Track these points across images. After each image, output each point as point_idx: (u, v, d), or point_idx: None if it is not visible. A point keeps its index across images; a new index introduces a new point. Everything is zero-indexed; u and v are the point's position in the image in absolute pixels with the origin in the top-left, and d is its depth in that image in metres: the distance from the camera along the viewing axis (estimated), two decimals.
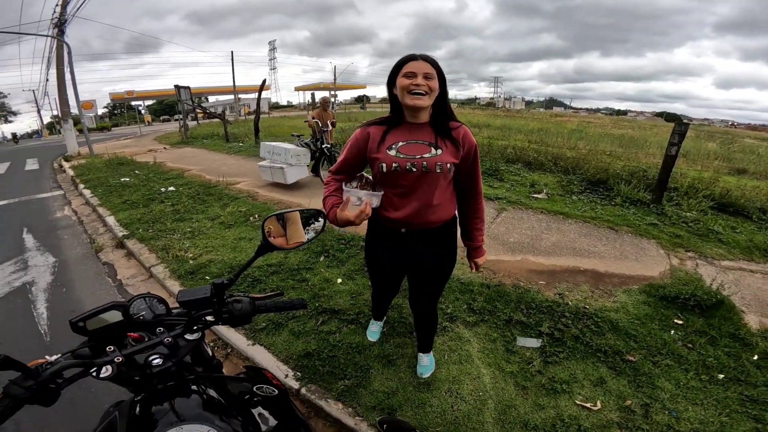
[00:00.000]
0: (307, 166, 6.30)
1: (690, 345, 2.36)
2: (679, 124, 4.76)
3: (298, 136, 7.00)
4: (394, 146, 1.47)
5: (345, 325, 2.49)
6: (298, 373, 2.12)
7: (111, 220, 4.73)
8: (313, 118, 6.58)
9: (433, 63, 1.40)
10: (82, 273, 3.53)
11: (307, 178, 6.39)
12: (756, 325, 2.59)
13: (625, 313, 2.65)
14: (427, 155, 1.44)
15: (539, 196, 5.34)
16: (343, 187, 1.54)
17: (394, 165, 1.44)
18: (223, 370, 1.04)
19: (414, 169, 1.43)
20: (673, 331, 2.48)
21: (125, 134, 24.11)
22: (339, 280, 3.03)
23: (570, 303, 2.74)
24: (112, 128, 36.50)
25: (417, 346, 2.16)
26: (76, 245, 4.22)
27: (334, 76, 50.34)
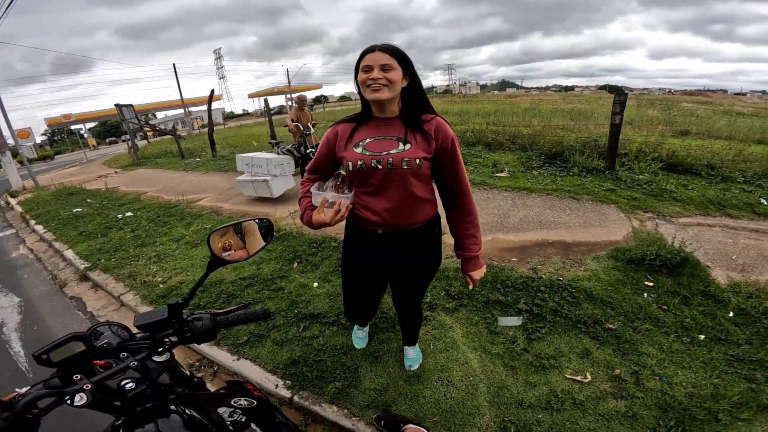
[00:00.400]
0: (293, 174, 5.78)
1: (665, 307, 2.45)
2: (618, 95, 5.05)
3: (277, 143, 6.42)
4: (361, 143, 1.40)
5: (327, 328, 2.47)
6: (288, 382, 2.09)
7: (70, 253, 4.48)
8: (293, 120, 6.10)
9: (393, 52, 1.32)
10: (50, 309, 3.38)
11: (295, 187, 5.76)
12: (724, 280, 2.71)
13: (597, 280, 2.75)
14: (393, 151, 1.35)
15: (502, 174, 5.48)
16: (312, 190, 1.48)
17: (359, 163, 1.38)
18: (210, 388, 1.05)
19: (380, 167, 1.36)
20: (646, 294, 2.58)
21: (70, 161, 22.65)
22: (315, 284, 2.98)
23: (544, 276, 2.82)
24: (55, 156, 34.07)
25: (402, 340, 2.16)
26: (38, 283, 4.01)
27: (288, 79, 49.35)
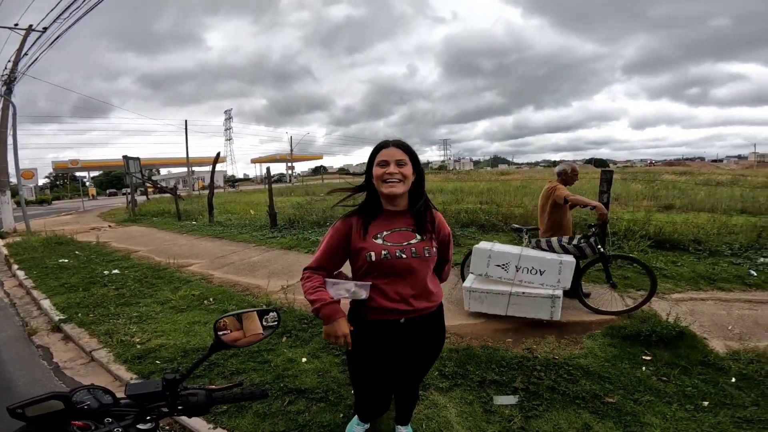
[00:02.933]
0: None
1: (665, 378, 2.42)
2: (604, 172, 5.28)
3: (528, 229, 3.97)
4: (379, 235, 1.45)
5: (314, 404, 2.34)
6: None
7: (46, 303, 4.37)
8: (563, 198, 3.60)
9: (405, 148, 1.42)
10: (14, 355, 3.27)
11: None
12: (722, 349, 2.73)
13: (593, 357, 2.70)
14: (413, 241, 1.45)
15: None
16: (328, 280, 1.48)
17: (383, 253, 1.41)
18: None
19: (404, 256, 1.42)
20: (644, 368, 2.55)
21: (66, 209, 22.71)
22: (304, 359, 2.86)
23: (539, 356, 2.76)
24: (53, 201, 34.09)
25: (395, 418, 2.04)
26: (6, 328, 3.91)
27: (291, 147, 51.75)
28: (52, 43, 11.85)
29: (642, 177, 20.95)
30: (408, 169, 1.41)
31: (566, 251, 3.49)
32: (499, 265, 3.32)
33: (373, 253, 1.42)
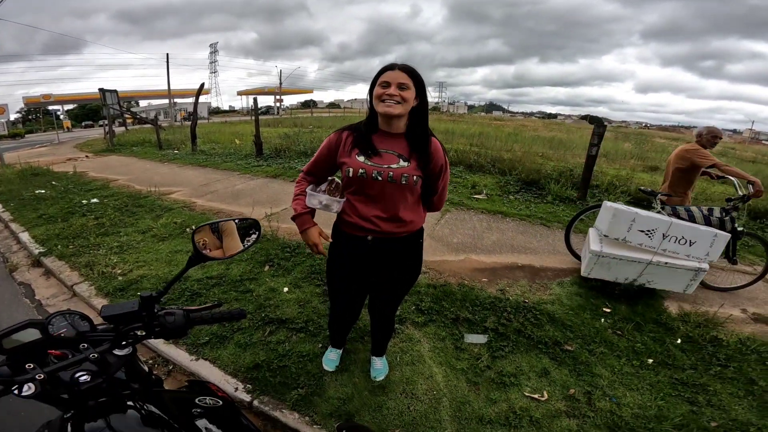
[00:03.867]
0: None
1: (619, 332, 2.58)
2: (597, 126, 5.25)
3: (658, 194, 3.58)
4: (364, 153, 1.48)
5: (294, 334, 2.43)
6: (248, 386, 2.04)
7: (25, 236, 4.25)
8: (710, 163, 3.33)
9: (411, 73, 1.41)
10: None
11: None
12: (675, 310, 2.88)
13: (560, 304, 2.85)
14: (394, 165, 1.46)
15: (480, 196, 5.60)
16: (307, 191, 1.58)
17: (360, 171, 1.46)
18: (165, 386, 1.00)
19: (380, 178, 1.45)
20: (603, 319, 2.70)
21: (41, 141, 21.60)
22: (285, 289, 2.94)
23: (511, 298, 2.89)
24: (26, 135, 32.42)
25: (371, 350, 2.16)
26: None
27: (280, 80, 49.15)
28: None
29: (634, 138, 20.90)
30: (409, 93, 1.40)
31: (708, 222, 3.25)
32: (643, 231, 3.01)
33: (351, 169, 1.47)
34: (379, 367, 2.11)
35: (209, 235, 1.03)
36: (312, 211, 1.62)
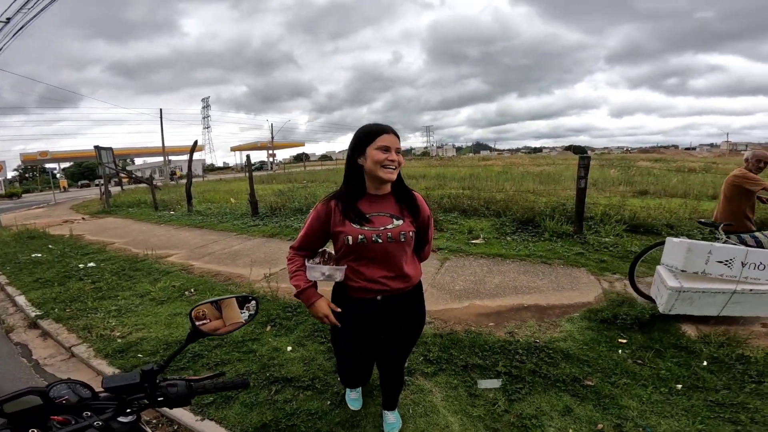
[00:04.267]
0: None
1: (640, 361, 2.51)
2: (582, 158, 5.40)
3: (720, 225, 3.56)
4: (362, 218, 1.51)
5: (300, 392, 2.35)
6: None
7: (21, 299, 4.24)
8: (757, 185, 3.50)
9: (399, 137, 1.48)
10: None
11: None
12: (694, 332, 2.83)
13: (572, 341, 2.79)
14: (390, 226, 1.50)
15: (477, 241, 5.60)
16: (306, 263, 1.59)
17: (360, 237, 1.48)
18: None
19: (380, 240, 1.49)
20: (620, 351, 2.64)
21: (37, 202, 21.76)
22: (289, 348, 2.86)
23: (521, 340, 2.83)
24: (23, 195, 32.60)
25: (382, 404, 2.08)
26: None
27: (272, 134, 50.66)
28: (16, 33, 11.19)
29: (618, 163, 21.52)
30: (401, 158, 1.48)
31: None
32: (721, 262, 2.99)
33: (350, 237, 1.48)
34: (392, 421, 2.02)
35: (209, 308, 1.05)
36: (315, 284, 1.61)
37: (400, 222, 1.52)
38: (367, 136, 1.45)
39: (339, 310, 1.60)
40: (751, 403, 2.07)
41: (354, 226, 1.48)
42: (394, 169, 1.44)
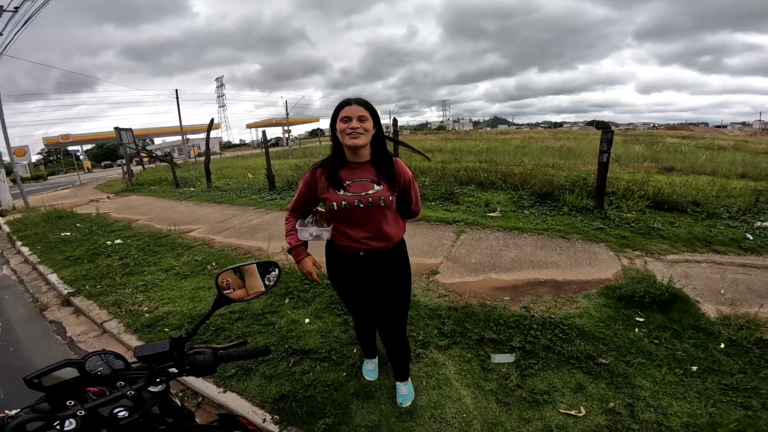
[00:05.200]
0: None
1: (656, 341, 2.48)
2: (605, 132, 5.19)
3: None
4: (341, 186, 1.65)
5: (318, 364, 2.43)
6: (276, 417, 2.06)
7: (54, 277, 4.43)
8: None
9: (366, 105, 1.58)
10: (28, 332, 3.34)
11: None
12: (714, 314, 2.76)
13: (588, 317, 2.76)
14: (370, 192, 1.63)
15: (494, 214, 5.54)
16: (297, 226, 1.78)
17: (343, 203, 1.62)
18: (197, 419, 1.04)
19: (361, 205, 1.62)
20: (637, 329, 2.61)
21: (63, 183, 22.56)
22: (307, 320, 2.94)
23: (536, 315, 2.82)
24: (48, 177, 33.83)
25: (393, 376, 2.15)
26: (18, 305, 3.96)
27: (287, 110, 50.45)
28: (26, 22, 11.33)
29: (644, 140, 20.66)
30: (368, 124, 1.57)
31: None
32: None
33: (334, 203, 1.63)
34: (405, 392, 2.09)
35: (232, 276, 1.10)
36: (305, 244, 1.80)
37: (380, 188, 1.64)
38: (334, 111, 1.60)
39: (323, 269, 1.84)
40: (764, 388, 2.03)
41: (338, 192, 1.63)
42: (357, 136, 1.55)
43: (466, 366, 2.35)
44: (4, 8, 11.23)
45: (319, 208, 1.84)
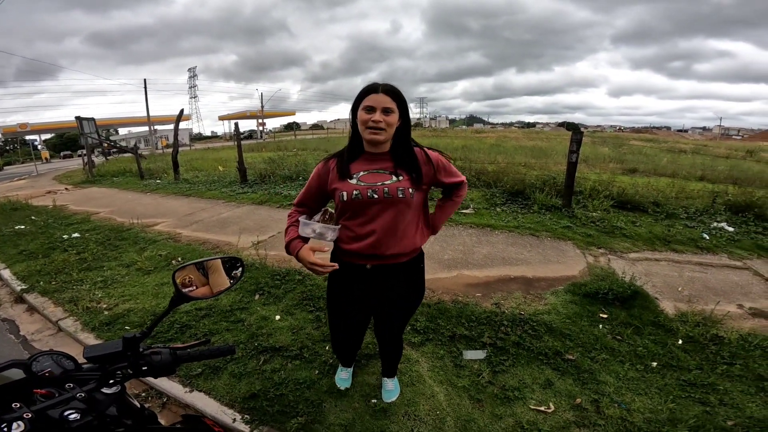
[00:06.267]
0: None
1: (619, 337, 2.57)
2: (575, 133, 5.37)
3: None
4: (355, 176, 1.45)
5: (289, 362, 2.38)
6: (246, 416, 2.00)
7: (6, 273, 4.16)
8: None
9: (395, 95, 1.39)
10: None
11: None
12: (672, 311, 2.89)
13: (556, 314, 2.84)
14: (387, 182, 1.43)
15: (467, 211, 5.62)
16: (300, 220, 1.53)
17: (354, 193, 1.42)
18: (161, 421, 0.99)
19: (375, 196, 1.41)
20: (601, 326, 2.70)
21: (19, 174, 21.12)
22: (277, 317, 2.87)
23: (506, 311, 2.87)
24: (4, 167, 31.66)
25: (381, 372, 2.14)
26: None
27: (261, 103, 49.27)
28: None
29: (610, 142, 21.52)
30: (393, 117, 1.39)
31: None
32: None
33: (345, 193, 1.43)
34: (391, 388, 2.08)
35: (194, 273, 1.01)
36: (304, 239, 1.55)
37: (400, 178, 1.44)
38: (358, 96, 1.41)
39: (326, 249, 1.53)
40: (721, 384, 2.13)
41: (350, 182, 1.44)
42: (379, 132, 1.37)
43: (439, 363, 2.36)
44: None
45: (329, 209, 1.64)
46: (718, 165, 11.37)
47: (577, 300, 3.03)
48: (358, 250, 1.49)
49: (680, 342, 2.51)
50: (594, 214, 5.21)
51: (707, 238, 4.47)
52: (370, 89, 1.38)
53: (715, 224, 4.95)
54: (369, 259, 1.52)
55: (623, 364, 2.31)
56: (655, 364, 2.31)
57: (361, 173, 1.46)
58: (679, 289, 3.26)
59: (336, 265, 1.48)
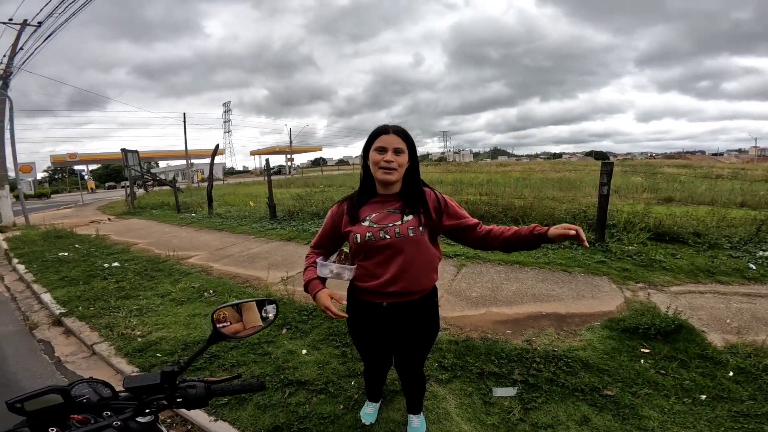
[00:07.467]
0: None
1: (663, 371, 2.42)
2: (605, 164, 5.24)
3: None
4: (368, 218, 1.52)
5: (314, 396, 2.35)
6: None
7: (47, 297, 4.40)
8: None
9: (405, 136, 1.46)
10: (14, 350, 3.28)
11: None
12: (720, 343, 2.72)
13: (592, 350, 2.70)
14: (398, 222, 1.49)
15: None
16: (318, 261, 1.60)
17: (367, 235, 1.48)
18: None
19: (387, 237, 1.47)
20: (642, 360, 2.55)
21: (65, 202, 22.69)
22: (304, 351, 2.87)
23: (538, 348, 2.76)
24: (52, 195, 34.06)
25: (406, 408, 2.09)
26: (8, 322, 3.92)
27: (290, 138, 51.41)
28: (48, 37, 11.77)
29: (642, 170, 20.90)
30: (404, 158, 1.46)
31: None
32: None
33: (358, 235, 1.49)
34: (417, 425, 2.02)
35: (230, 311, 1.07)
36: (323, 280, 1.60)
37: (410, 218, 1.49)
38: (370, 137, 1.48)
39: (343, 303, 1.58)
40: None
41: (362, 224, 1.51)
42: (391, 171, 1.43)
43: (467, 400, 2.27)
44: (28, 22, 11.62)
45: (345, 249, 1.68)
46: (758, 190, 10.77)
47: (615, 335, 2.87)
48: (374, 288, 1.53)
49: (731, 374, 2.36)
50: (630, 247, 5.00)
51: (754, 268, 4.20)
52: (381, 131, 1.46)
53: (761, 253, 4.64)
54: (385, 297, 1.55)
55: (668, 398, 2.17)
56: (704, 396, 2.17)
57: (374, 215, 1.52)
58: (727, 321, 3.07)
59: (346, 316, 1.55)
